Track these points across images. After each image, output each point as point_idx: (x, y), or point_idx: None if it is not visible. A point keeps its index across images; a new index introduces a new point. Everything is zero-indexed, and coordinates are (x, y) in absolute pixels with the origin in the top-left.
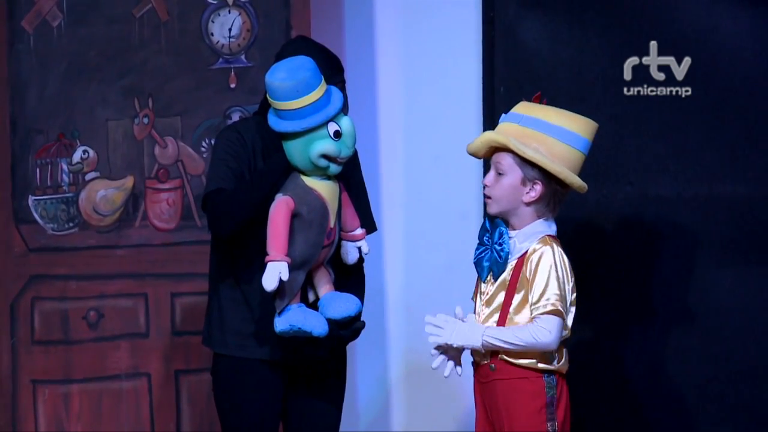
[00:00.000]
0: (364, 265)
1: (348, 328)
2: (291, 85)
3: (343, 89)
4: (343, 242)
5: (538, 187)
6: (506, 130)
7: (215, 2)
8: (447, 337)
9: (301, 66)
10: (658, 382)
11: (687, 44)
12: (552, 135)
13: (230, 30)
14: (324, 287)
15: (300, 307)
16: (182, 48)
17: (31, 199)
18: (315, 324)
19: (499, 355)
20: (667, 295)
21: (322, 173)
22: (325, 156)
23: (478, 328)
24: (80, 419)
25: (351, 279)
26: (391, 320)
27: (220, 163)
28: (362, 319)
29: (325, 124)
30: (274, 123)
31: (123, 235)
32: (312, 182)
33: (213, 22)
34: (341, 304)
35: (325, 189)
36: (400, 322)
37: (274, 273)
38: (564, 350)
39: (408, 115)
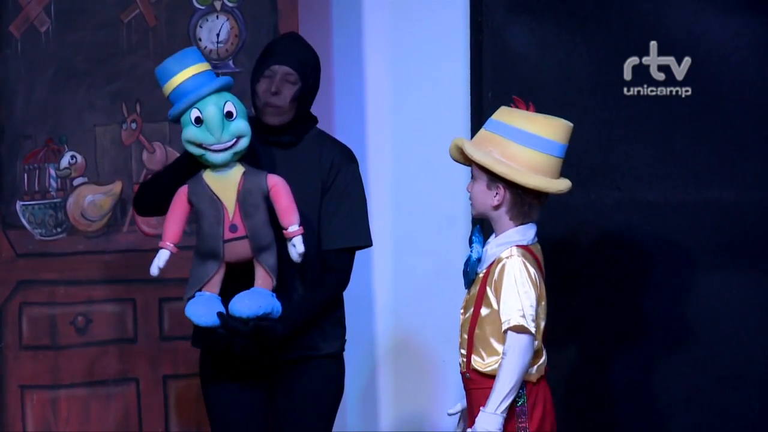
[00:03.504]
0: (354, 273)
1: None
2: (158, 73)
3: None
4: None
5: (501, 191)
6: (477, 135)
7: (203, 7)
8: None
9: (170, 55)
10: (646, 386)
11: (687, 44)
12: (509, 137)
13: (218, 35)
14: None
15: (202, 296)
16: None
17: (18, 204)
18: (200, 313)
19: (471, 365)
20: (655, 300)
21: (214, 163)
22: (191, 142)
23: (486, 416)
24: (68, 424)
25: (304, 293)
26: (379, 324)
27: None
28: (298, 322)
29: (187, 109)
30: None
31: (111, 241)
32: (207, 174)
33: (201, 27)
34: (243, 302)
35: (216, 181)
36: (388, 327)
37: (157, 258)
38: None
39: (396, 120)
